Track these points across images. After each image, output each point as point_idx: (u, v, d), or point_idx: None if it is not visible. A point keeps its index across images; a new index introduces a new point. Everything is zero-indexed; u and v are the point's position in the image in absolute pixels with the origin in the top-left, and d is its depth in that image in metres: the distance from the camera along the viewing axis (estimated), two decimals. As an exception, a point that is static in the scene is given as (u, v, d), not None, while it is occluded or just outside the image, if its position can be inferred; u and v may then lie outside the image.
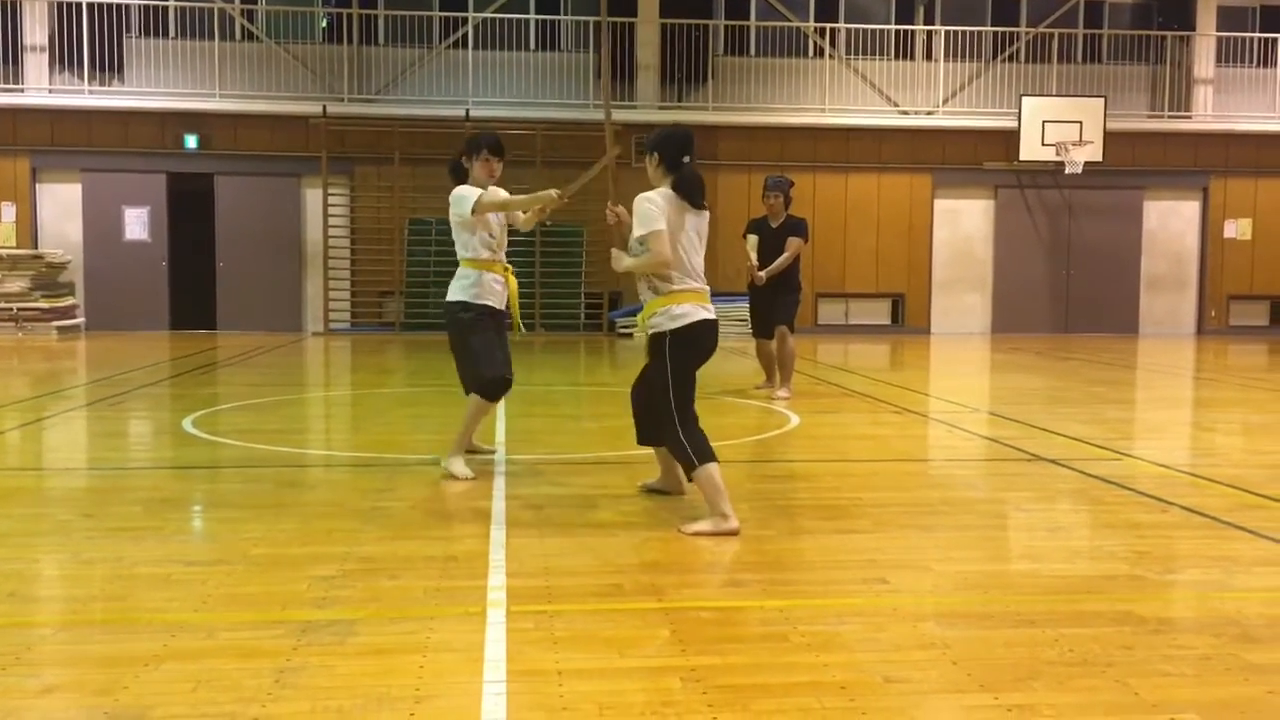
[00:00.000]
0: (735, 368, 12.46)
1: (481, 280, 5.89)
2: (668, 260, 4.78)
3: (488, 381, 5.82)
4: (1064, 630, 3.42)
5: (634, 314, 18.29)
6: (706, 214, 4.99)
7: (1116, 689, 2.96)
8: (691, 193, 4.87)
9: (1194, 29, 19.92)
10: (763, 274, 9.40)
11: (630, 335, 17.89)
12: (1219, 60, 20.06)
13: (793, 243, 9.43)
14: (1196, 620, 3.63)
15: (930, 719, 2.82)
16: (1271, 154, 20.02)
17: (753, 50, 19.63)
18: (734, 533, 4.59)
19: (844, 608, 3.65)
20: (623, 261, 5.08)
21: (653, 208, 4.76)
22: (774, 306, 9.55)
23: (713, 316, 4.90)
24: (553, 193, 5.71)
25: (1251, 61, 20.13)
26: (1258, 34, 20.22)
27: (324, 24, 19.15)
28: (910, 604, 3.71)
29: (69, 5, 17.87)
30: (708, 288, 4.99)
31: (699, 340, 4.85)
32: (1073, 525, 5.06)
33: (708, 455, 4.72)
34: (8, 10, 17.73)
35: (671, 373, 4.78)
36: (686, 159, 4.86)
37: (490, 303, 5.91)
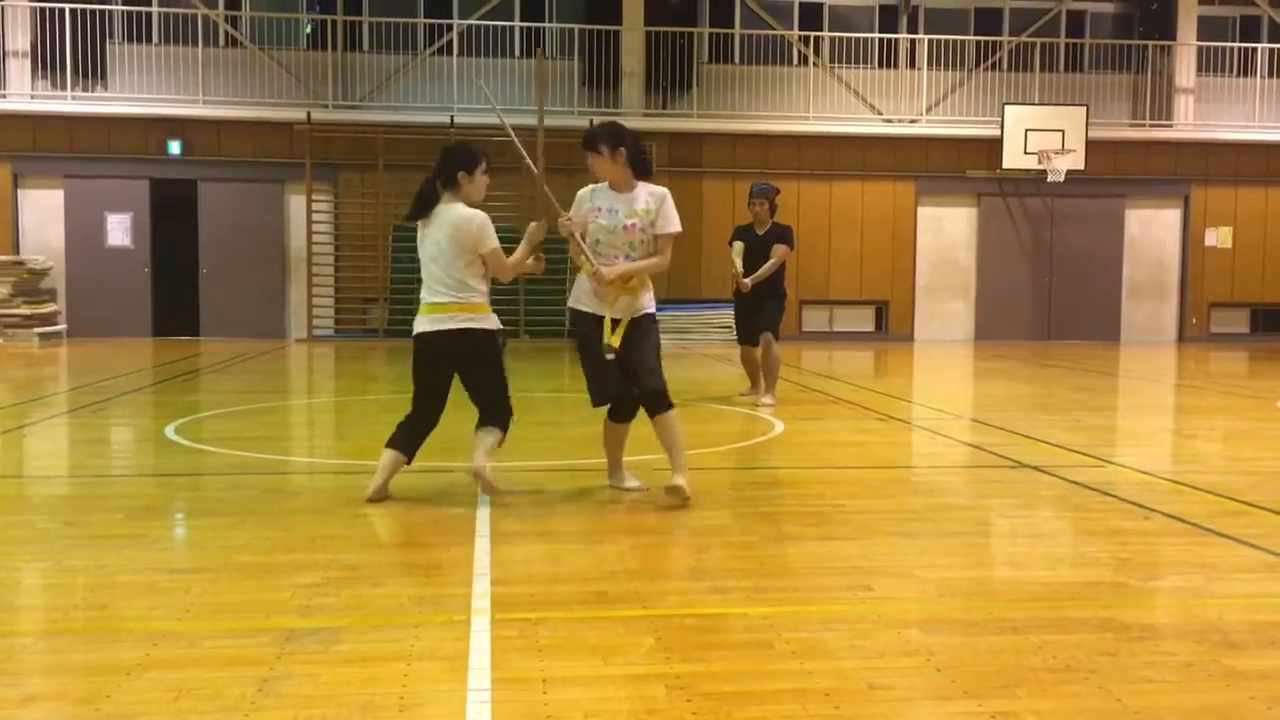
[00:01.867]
0: (720, 375, 12.47)
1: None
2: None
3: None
4: (1047, 637, 3.43)
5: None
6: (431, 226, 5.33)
7: (1099, 695, 2.97)
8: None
9: (1175, 39, 20.06)
10: (748, 281, 9.38)
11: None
12: (1200, 69, 20.21)
13: (778, 250, 9.40)
14: (1179, 627, 3.65)
15: (914, 726, 2.83)
16: (1251, 162, 20.17)
17: (737, 58, 19.68)
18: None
19: (828, 615, 3.66)
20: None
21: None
22: (759, 313, 9.51)
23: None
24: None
25: (1232, 71, 20.29)
26: (1238, 44, 20.39)
27: (308, 30, 19.11)
28: (894, 611, 3.72)
29: (51, 11, 17.79)
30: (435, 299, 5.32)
31: None
32: (1055, 532, 5.08)
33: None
34: (-11, 15, 17.66)
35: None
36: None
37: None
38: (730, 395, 10.09)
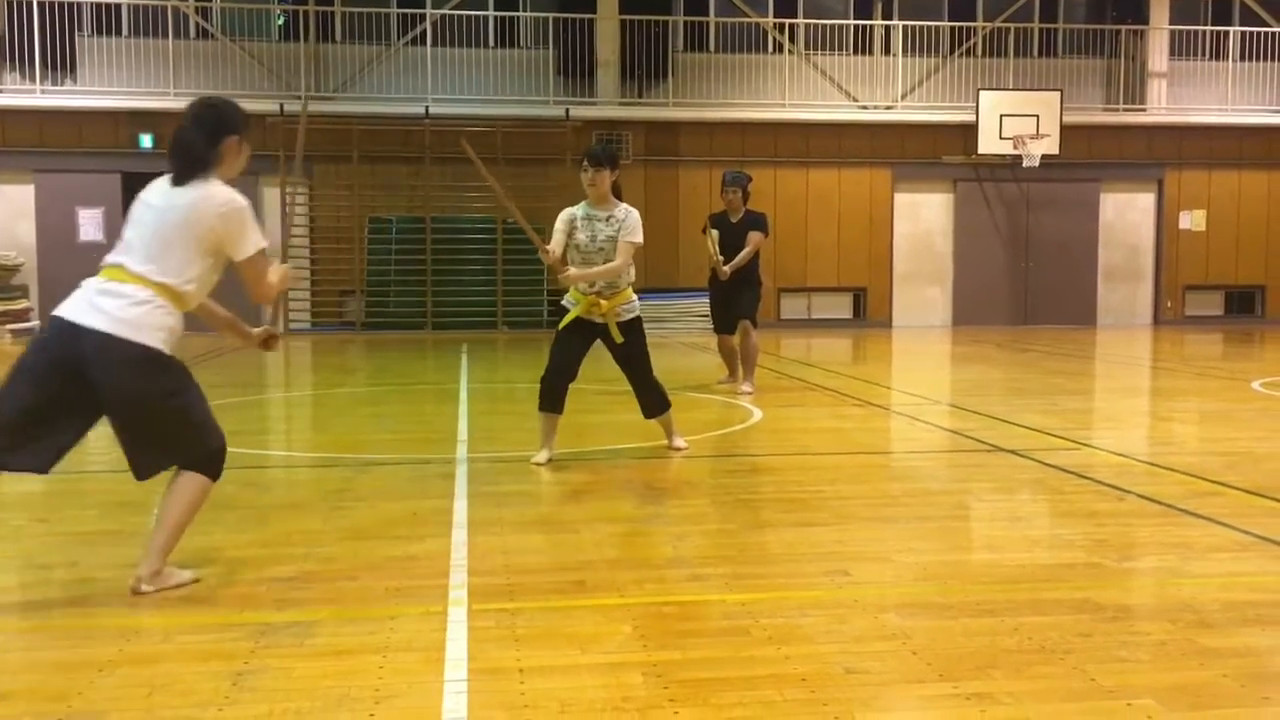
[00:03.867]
0: (697, 363, 12.48)
1: None
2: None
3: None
4: (1023, 619, 3.45)
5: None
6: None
7: (1074, 675, 2.99)
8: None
9: (1148, 23, 20.15)
10: (727, 268, 9.32)
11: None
12: (1172, 53, 20.30)
13: (753, 237, 9.36)
14: (1153, 607, 3.68)
15: (890, 709, 2.84)
16: (1224, 146, 20.29)
17: (712, 46, 19.65)
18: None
19: (805, 600, 3.67)
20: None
21: None
22: (737, 301, 9.47)
23: None
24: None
25: (1204, 55, 20.39)
26: (1210, 27, 20.49)
27: (280, 21, 18.97)
28: (871, 595, 3.73)
29: (18, 3, 17.59)
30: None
31: None
32: (1032, 515, 5.11)
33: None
34: (-44, 9, 17.45)
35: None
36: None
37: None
38: (708, 383, 10.09)
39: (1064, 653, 3.16)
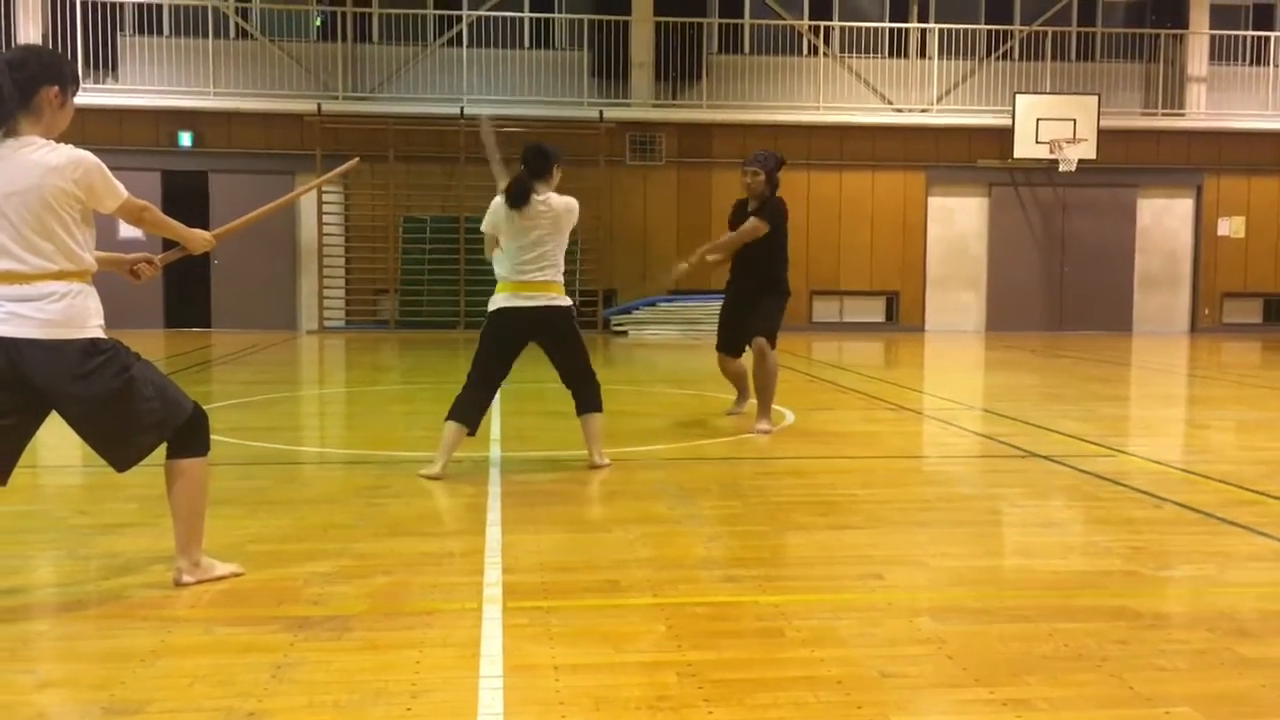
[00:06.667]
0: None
1: None
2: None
3: None
4: (1059, 625, 3.43)
5: (628, 311, 18.31)
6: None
7: (1111, 683, 2.97)
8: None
9: (1187, 27, 19.96)
10: (709, 251, 7.72)
11: (625, 333, 17.88)
12: (1212, 58, 20.10)
13: (750, 221, 7.43)
14: (1191, 615, 3.64)
15: (926, 713, 2.83)
16: (1265, 152, 20.07)
17: (747, 48, 19.64)
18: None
19: (839, 603, 3.66)
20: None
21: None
22: (751, 311, 7.56)
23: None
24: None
25: (1245, 60, 20.18)
26: (1251, 32, 20.27)
27: (318, 22, 19.12)
28: (905, 599, 3.72)
29: (63, 3, 17.82)
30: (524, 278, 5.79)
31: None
32: (1067, 521, 5.08)
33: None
34: (1, 9, 17.68)
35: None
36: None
37: None
38: (711, 416, 8.15)
39: (1101, 660, 3.14)
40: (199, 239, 3.99)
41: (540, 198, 5.77)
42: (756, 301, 7.58)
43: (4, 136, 3.38)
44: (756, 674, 3.01)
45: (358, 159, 6.24)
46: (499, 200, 5.80)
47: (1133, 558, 4.27)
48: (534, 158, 5.82)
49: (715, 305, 8.34)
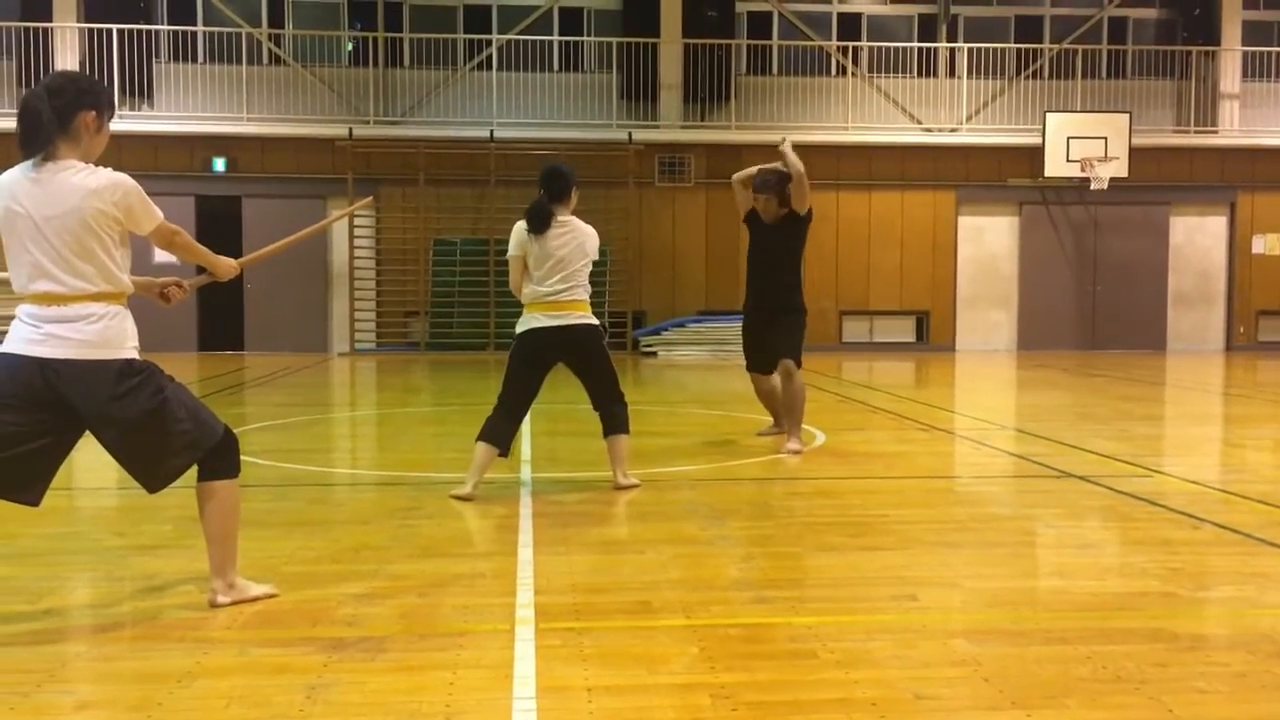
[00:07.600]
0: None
1: None
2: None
3: None
4: (1096, 647, 3.39)
5: (657, 333, 18.32)
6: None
7: (1151, 706, 2.93)
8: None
9: (1219, 44, 19.84)
10: (787, 155, 7.71)
11: (655, 354, 17.89)
12: (1245, 75, 19.97)
13: (801, 166, 7.62)
14: (1230, 637, 3.60)
15: (962, 736, 2.81)
16: (1299, 168, 19.89)
17: (775, 69, 19.69)
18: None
19: (873, 624, 3.64)
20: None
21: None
22: (771, 331, 7.54)
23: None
24: None
25: (1278, 76, 20.02)
26: (1284, 48, 20.13)
27: (350, 47, 19.33)
28: (940, 621, 3.69)
29: (99, 31, 18.11)
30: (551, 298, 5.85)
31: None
32: (1103, 542, 5.03)
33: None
34: (38, 37, 17.99)
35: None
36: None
37: None
38: (742, 436, 8.25)
39: (1139, 682, 3.10)
40: (225, 266, 4.06)
41: (561, 219, 5.81)
42: (774, 320, 7.55)
43: (43, 161, 3.44)
44: (790, 696, 2.99)
45: (370, 199, 6.34)
46: (520, 225, 5.86)
47: (1170, 579, 4.22)
48: (551, 180, 5.84)
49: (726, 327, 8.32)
